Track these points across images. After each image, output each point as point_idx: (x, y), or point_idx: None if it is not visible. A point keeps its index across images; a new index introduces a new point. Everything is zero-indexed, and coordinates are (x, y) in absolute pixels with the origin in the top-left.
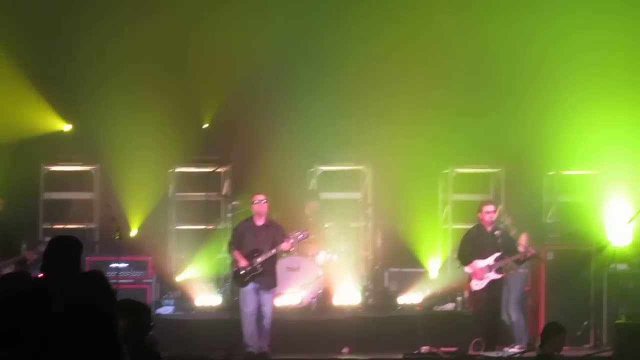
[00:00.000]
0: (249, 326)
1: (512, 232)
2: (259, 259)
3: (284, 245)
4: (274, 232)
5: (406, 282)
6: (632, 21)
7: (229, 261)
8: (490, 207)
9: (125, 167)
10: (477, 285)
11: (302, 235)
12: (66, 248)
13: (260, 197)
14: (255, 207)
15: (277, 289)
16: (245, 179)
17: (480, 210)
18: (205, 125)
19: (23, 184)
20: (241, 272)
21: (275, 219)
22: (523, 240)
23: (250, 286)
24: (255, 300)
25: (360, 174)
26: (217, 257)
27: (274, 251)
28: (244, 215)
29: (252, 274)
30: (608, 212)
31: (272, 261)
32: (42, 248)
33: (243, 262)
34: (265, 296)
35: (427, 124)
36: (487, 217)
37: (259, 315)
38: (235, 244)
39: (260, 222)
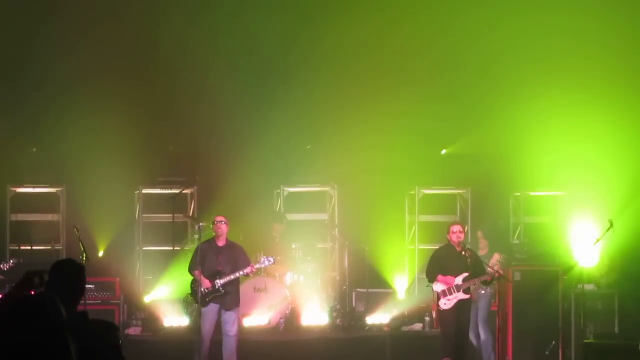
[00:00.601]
0: (204, 345)
1: (484, 252)
2: (222, 281)
3: (248, 270)
4: (235, 254)
5: (374, 302)
6: (596, 44)
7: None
8: (458, 227)
9: (91, 188)
10: (446, 304)
11: (268, 262)
12: (73, 271)
13: (220, 218)
14: (215, 229)
15: (241, 308)
16: (212, 201)
17: (448, 231)
18: (171, 147)
19: None
20: (203, 292)
21: (241, 240)
22: (495, 259)
23: (211, 306)
24: (213, 320)
25: (326, 195)
26: (184, 278)
27: (237, 274)
28: (210, 237)
29: (213, 295)
30: (575, 233)
31: (234, 282)
32: (3, 267)
33: (206, 283)
34: (228, 315)
35: (394, 145)
36: (455, 237)
37: (224, 334)
38: (197, 264)
39: (221, 243)
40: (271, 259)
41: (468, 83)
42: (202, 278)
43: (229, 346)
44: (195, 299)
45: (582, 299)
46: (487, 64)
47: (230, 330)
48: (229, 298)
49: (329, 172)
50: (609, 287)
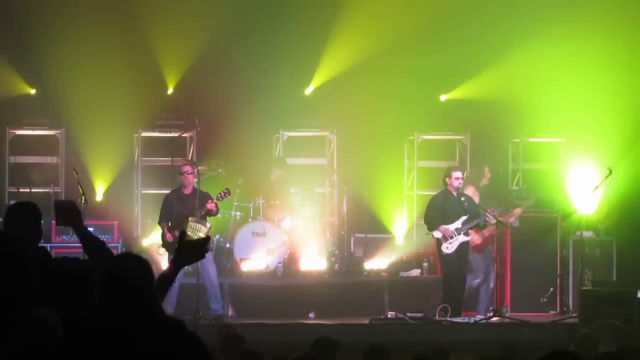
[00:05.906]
0: (173, 290)
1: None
2: None
3: (210, 206)
4: (203, 199)
5: (372, 247)
6: None
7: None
8: (458, 173)
9: (90, 131)
10: (448, 248)
11: (223, 194)
12: (26, 214)
13: (187, 168)
14: (182, 179)
15: (239, 253)
16: (211, 144)
17: (449, 176)
18: (170, 90)
19: None
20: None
21: (240, 184)
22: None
23: None
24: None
25: (325, 139)
26: None
27: (202, 213)
28: (210, 181)
29: None
30: (574, 180)
31: None
32: None
33: (169, 236)
34: (204, 260)
35: (393, 90)
36: (456, 183)
37: (205, 279)
38: (165, 215)
39: (187, 191)
40: (227, 191)
41: (468, 28)
42: (167, 232)
43: (212, 289)
44: (167, 248)
45: (580, 246)
46: (488, 9)
47: (211, 274)
48: None
49: (329, 117)
50: (608, 234)
